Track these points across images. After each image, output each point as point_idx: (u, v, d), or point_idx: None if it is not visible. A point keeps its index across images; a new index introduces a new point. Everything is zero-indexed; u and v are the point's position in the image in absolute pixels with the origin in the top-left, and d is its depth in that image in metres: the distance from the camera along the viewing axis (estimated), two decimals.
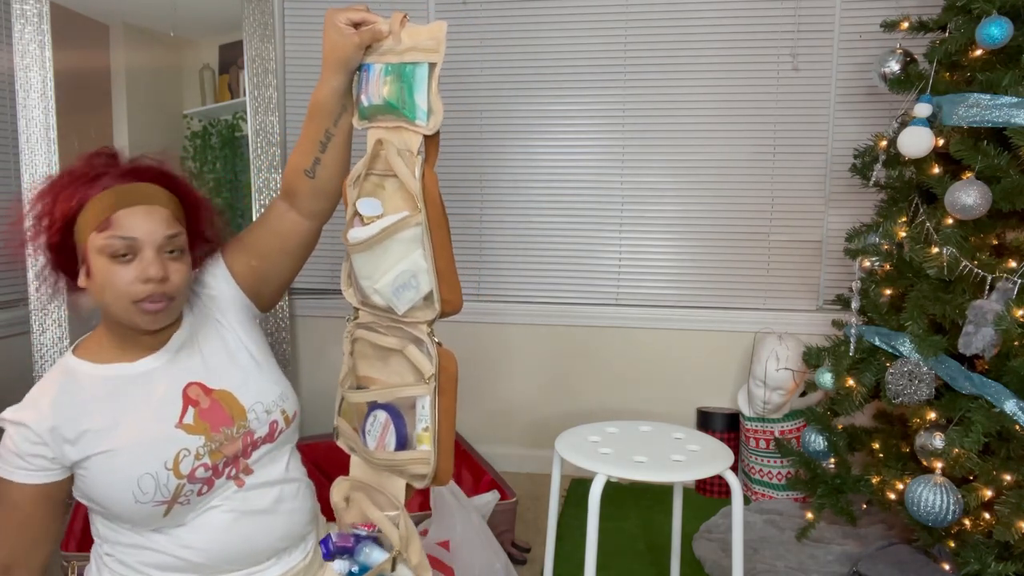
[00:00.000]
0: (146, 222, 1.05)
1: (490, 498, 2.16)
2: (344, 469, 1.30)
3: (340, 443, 1.30)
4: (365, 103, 1.16)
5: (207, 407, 1.12)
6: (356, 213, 1.16)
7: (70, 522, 2.04)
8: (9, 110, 2.59)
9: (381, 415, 1.19)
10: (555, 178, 2.95)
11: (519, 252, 2.99)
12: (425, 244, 1.09)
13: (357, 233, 1.13)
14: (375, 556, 1.21)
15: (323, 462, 2.34)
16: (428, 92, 1.08)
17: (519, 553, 2.23)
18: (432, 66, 1.08)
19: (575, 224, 2.95)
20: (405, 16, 1.12)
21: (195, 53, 2.95)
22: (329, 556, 1.22)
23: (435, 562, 1.81)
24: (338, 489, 1.29)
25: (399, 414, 1.17)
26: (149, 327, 1.08)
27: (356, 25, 1.13)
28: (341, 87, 1.16)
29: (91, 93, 2.70)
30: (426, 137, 1.10)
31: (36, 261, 1.10)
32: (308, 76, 3.04)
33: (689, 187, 2.86)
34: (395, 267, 1.11)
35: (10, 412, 1.07)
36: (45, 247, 1.08)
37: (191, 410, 1.11)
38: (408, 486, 1.21)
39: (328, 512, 1.31)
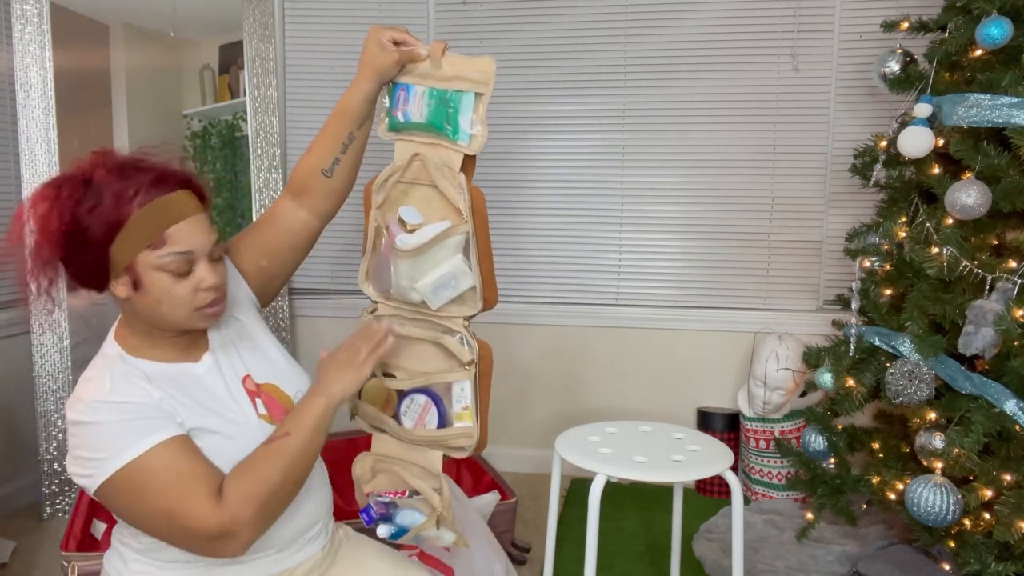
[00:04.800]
0: (196, 234, 1.06)
1: (490, 498, 2.16)
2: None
3: (359, 423, 1.43)
4: (400, 119, 1.29)
5: (266, 399, 1.16)
6: (399, 220, 1.29)
7: (70, 523, 2.03)
8: (9, 110, 2.59)
9: (420, 398, 1.33)
10: (555, 178, 2.95)
11: (519, 252, 2.99)
12: (471, 251, 1.24)
13: (407, 240, 1.27)
14: (415, 517, 1.36)
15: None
16: (474, 118, 1.22)
17: (519, 553, 2.23)
18: (479, 96, 1.22)
19: (575, 224, 2.95)
20: (446, 45, 1.25)
21: (195, 53, 2.95)
22: (372, 522, 1.38)
23: (435, 562, 1.81)
24: (361, 464, 1.42)
25: (438, 397, 1.32)
26: (207, 326, 1.14)
27: (397, 44, 1.23)
28: (371, 94, 1.26)
29: (91, 93, 2.70)
30: (465, 156, 1.24)
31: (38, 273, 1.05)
32: (308, 76, 3.04)
33: (689, 187, 2.86)
34: (436, 269, 1.25)
35: (86, 402, 1.01)
36: (74, 263, 1.05)
37: (258, 401, 1.15)
38: (444, 457, 1.36)
39: None
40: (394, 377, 1.36)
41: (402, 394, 1.36)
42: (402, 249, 1.27)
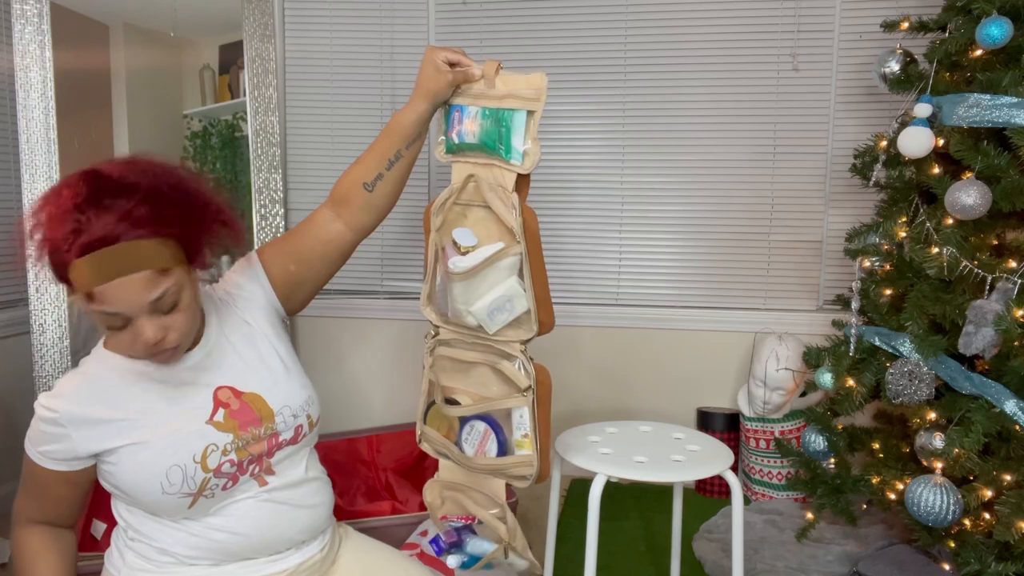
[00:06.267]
0: (126, 294, 0.98)
1: None
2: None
3: (425, 447, 1.41)
4: (455, 140, 1.29)
5: (237, 408, 1.15)
6: (453, 242, 1.28)
7: None
8: (9, 110, 2.59)
9: (479, 425, 1.31)
10: (555, 178, 2.95)
11: None
12: (525, 273, 1.22)
13: (460, 262, 1.25)
14: (484, 546, 1.34)
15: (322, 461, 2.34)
16: (526, 136, 1.22)
17: None
18: (531, 113, 1.21)
19: (575, 224, 2.95)
20: (499, 64, 1.24)
21: (195, 53, 2.95)
22: (441, 553, 1.35)
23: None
24: (431, 490, 1.42)
25: (498, 424, 1.29)
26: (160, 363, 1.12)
27: (452, 65, 1.24)
28: (425, 115, 1.27)
29: (91, 93, 2.70)
30: (518, 175, 1.24)
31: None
32: (308, 76, 3.04)
33: (689, 187, 2.86)
34: (491, 292, 1.24)
35: (42, 397, 1.10)
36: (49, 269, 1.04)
37: (221, 410, 1.14)
38: (507, 484, 1.33)
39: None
40: (457, 404, 1.34)
41: (462, 421, 1.33)
42: (455, 271, 1.25)
